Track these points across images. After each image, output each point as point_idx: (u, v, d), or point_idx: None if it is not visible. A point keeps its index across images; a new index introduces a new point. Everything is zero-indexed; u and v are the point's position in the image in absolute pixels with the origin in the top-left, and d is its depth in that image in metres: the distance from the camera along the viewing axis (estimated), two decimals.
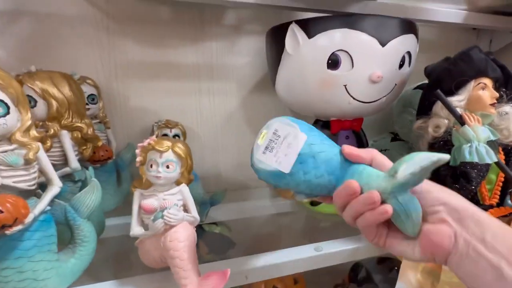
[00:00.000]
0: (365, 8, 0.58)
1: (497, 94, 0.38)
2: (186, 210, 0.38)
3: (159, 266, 0.38)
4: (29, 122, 0.28)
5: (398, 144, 0.62)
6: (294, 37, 0.44)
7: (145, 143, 0.36)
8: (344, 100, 0.45)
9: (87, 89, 0.48)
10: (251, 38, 0.63)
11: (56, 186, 0.32)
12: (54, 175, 0.32)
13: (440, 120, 0.39)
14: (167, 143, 0.36)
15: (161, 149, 0.35)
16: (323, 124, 0.53)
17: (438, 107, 0.39)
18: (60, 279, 0.33)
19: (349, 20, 0.42)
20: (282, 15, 0.62)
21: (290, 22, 0.44)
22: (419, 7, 0.61)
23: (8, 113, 0.27)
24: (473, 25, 0.67)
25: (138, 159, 0.36)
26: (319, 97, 0.46)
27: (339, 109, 0.47)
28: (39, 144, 0.29)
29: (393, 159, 0.61)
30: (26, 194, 0.29)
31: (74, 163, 0.40)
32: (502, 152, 0.39)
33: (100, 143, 0.44)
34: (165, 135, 0.54)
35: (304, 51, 0.43)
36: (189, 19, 0.58)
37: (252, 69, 0.65)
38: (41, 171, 0.31)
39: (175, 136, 0.55)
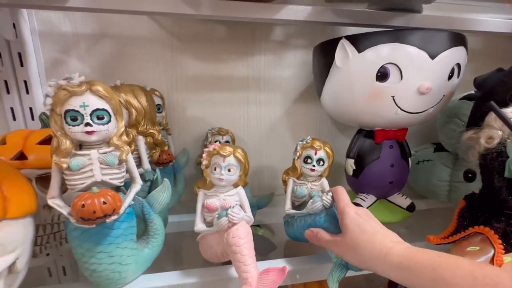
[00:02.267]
0: (410, 21, 0.57)
1: None
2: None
3: (218, 261, 0.40)
4: (122, 129, 0.32)
5: (441, 154, 0.60)
6: (344, 51, 0.45)
7: (211, 148, 0.39)
8: (391, 111, 0.45)
9: (155, 100, 0.53)
10: (296, 51, 0.65)
11: (138, 184, 0.36)
12: (137, 174, 0.36)
13: (493, 131, 0.38)
14: (229, 149, 0.38)
15: (224, 154, 0.38)
16: (367, 134, 0.54)
17: (491, 118, 0.38)
18: (137, 266, 0.36)
19: (398, 35, 0.42)
20: (327, 30, 0.64)
21: (340, 38, 0.45)
22: (465, 18, 0.59)
23: (110, 121, 0.31)
24: None
25: (204, 162, 0.39)
26: (366, 107, 0.47)
27: (386, 119, 0.48)
28: (128, 147, 0.33)
29: (436, 169, 0.59)
30: (116, 189, 0.33)
31: (146, 164, 0.44)
32: None
33: (166, 148, 0.48)
34: (217, 141, 0.58)
35: (353, 65, 0.45)
36: (242, 36, 0.61)
37: (297, 81, 0.67)
38: (128, 171, 0.35)
39: (226, 142, 0.59)
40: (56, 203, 0.30)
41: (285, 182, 0.46)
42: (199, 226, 0.40)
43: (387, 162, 0.52)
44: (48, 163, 0.36)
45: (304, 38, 0.65)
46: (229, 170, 0.38)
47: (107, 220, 0.30)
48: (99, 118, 0.30)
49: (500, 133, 0.38)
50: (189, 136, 0.63)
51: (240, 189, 0.40)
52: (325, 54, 0.49)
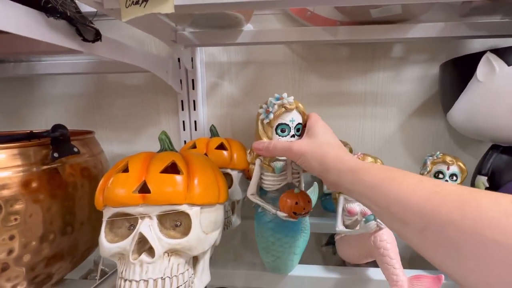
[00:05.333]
0: None
1: None
2: None
3: (357, 262, 0.42)
4: None
5: None
6: (490, 65, 0.43)
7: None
8: None
9: None
10: (414, 67, 0.64)
11: (315, 187, 0.42)
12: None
13: None
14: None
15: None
16: (504, 149, 0.49)
17: None
18: (298, 257, 0.41)
19: None
20: (449, 44, 0.61)
21: (482, 52, 0.43)
22: None
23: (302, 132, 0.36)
24: None
25: None
26: (510, 123, 0.43)
27: None
28: None
29: None
30: None
31: None
32: None
33: None
34: None
35: (501, 79, 0.42)
36: (363, 55, 0.64)
37: (413, 96, 0.65)
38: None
39: None
40: (257, 198, 0.37)
41: None
42: (340, 227, 0.43)
43: None
44: (221, 165, 0.46)
45: (423, 53, 0.63)
46: None
47: (307, 216, 0.35)
48: (298, 130, 0.36)
49: None
50: None
51: None
52: (462, 68, 0.47)
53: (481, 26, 0.52)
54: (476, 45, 0.60)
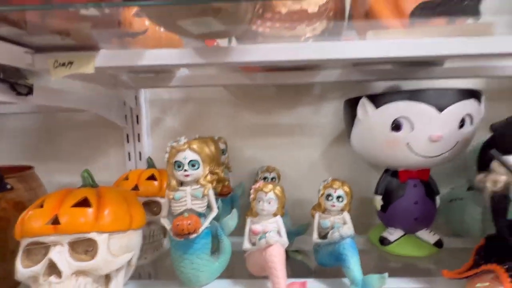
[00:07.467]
0: (432, 73, 0.62)
1: None
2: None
3: (260, 274, 0.49)
4: (207, 172, 0.45)
5: (474, 193, 0.59)
6: (364, 107, 0.52)
7: (256, 186, 0.50)
8: (408, 156, 0.50)
9: (220, 146, 0.67)
10: (331, 103, 0.74)
11: (214, 212, 0.46)
12: (215, 204, 0.46)
13: (498, 176, 0.40)
14: (270, 187, 0.48)
15: (266, 190, 0.48)
16: (392, 173, 0.58)
17: (496, 164, 0.40)
18: (209, 275, 0.46)
19: (409, 94, 0.48)
20: (356, 85, 0.72)
21: (361, 97, 0.53)
22: (487, 66, 0.61)
23: (198, 167, 0.44)
24: None
25: (252, 196, 0.50)
26: (386, 153, 0.53)
27: (405, 162, 0.52)
28: (210, 184, 0.46)
29: (468, 207, 0.59)
30: (200, 215, 0.45)
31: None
32: None
33: (227, 183, 0.61)
34: (266, 177, 0.68)
35: (372, 118, 0.52)
36: (288, 94, 0.73)
37: (333, 127, 0.75)
38: (208, 202, 0.46)
39: (272, 178, 0.69)
40: (165, 221, 0.44)
41: (313, 216, 0.53)
42: (246, 245, 0.49)
43: (411, 199, 0.55)
44: (151, 194, 0.52)
45: (337, 91, 0.73)
46: (269, 203, 0.48)
47: (190, 237, 0.42)
48: (193, 165, 0.43)
49: (504, 177, 0.40)
50: (245, 173, 0.75)
51: (278, 218, 0.49)
52: (350, 108, 0.57)
53: (371, 72, 0.63)
54: (381, 85, 0.71)
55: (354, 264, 0.44)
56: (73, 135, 0.75)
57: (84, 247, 0.38)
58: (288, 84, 0.61)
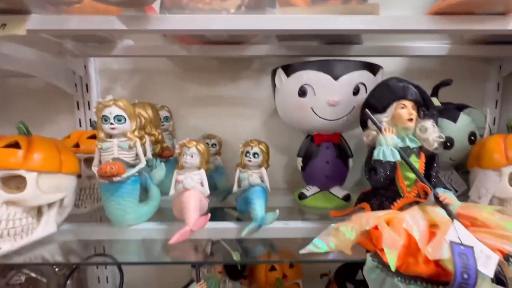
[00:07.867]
0: (350, 51, 0.69)
1: (413, 112, 0.46)
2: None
3: (181, 218, 0.55)
4: (134, 128, 0.50)
5: None
6: (280, 77, 0.60)
7: (182, 142, 0.57)
8: (313, 119, 0.58)
9: (164, 113, 0.73)
10: (269, 77, 0.81)
11: (142, 163, 0.52)
12: (142, 156, 0.52)
13: (370, 131, 0.49)
14: (193, 143, 0.56)
15: (189, 146, 0.55)
16: (311, 138, 0.66)
17: (370, 122, 0.49)
18: (136, 216, 0.52)
19: (311, 64, 0.56)
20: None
21: (278, 67, 0.61)
22: (400, 46, 0.69)
23: (125, 122, 0.49)
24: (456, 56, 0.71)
25: (177, 151, 0.56)
26: (298, 117, 0.61)
27: (313, 125, 0.61)
28: (138, 139, 0.51)
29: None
30: (129, 165, 0.51)
31: (149, 154, 0.64)
32: (424, 157, 0.46)
33: (165, 145, 0.68)
34: (206, 144, 0.75)
35: (285, 86, 0.59)
36: (229, 67, 0.80)
37: (270, 99, 0.82)
38: (136, 154, 0.52)
39: (213, 144, 0.76)
40: (95, 168, 0.50)
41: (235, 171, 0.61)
42: (172, 192, 0.56)
43: (324, 159, 0.64)
44: (91, 151, 0.58)
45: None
46: (191, 156, 0.55)
47: (114, 179, 0.48)
48: (118, 120, 0.49)
49: (374, 132, 0.48)
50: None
51: (202, 171, 0.55)
52: (272, 78, 0.64)
53: (299, 48, 0.70)
54: None
55: (258, 205, 0.52)
56: (25, 102, 0.79)
57: (16, 183, 0.44)
58: (222, 56, 0.67)
